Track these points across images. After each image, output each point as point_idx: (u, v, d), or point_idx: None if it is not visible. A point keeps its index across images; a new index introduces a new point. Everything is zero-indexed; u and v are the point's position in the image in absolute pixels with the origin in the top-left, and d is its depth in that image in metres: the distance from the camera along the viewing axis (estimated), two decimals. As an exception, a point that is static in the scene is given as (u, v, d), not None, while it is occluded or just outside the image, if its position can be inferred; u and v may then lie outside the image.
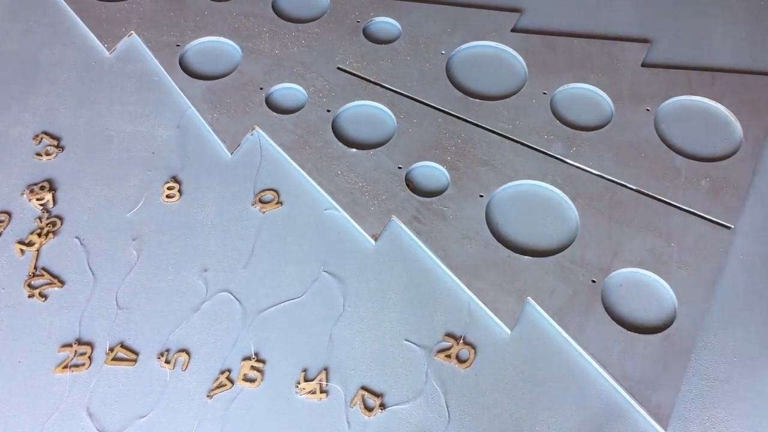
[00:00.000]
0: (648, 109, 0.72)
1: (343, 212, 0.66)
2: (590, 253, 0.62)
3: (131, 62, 0.79)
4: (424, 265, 0.64)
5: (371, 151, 0.70)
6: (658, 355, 0.56)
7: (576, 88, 0.75)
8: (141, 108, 0.75)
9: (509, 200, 0.67)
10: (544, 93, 0.74)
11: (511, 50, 0.78)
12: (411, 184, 0.68)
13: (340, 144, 0.70)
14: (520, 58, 0.77)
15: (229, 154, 0.70)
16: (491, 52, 0.79)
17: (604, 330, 0.57)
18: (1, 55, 0.79)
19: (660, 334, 0.57)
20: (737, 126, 0.72)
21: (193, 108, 0.73)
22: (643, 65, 0.77)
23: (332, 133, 0.71)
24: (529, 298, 0.60)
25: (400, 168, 0.68)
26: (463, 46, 0.79)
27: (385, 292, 0.62)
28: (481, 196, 0.66)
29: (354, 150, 0.69)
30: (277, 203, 0.68)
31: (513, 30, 0.80)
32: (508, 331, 0.59)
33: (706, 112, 0.74)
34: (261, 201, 0.68)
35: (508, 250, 0.63)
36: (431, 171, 0.69)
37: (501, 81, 0.77)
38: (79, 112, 0.74)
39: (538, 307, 0.60)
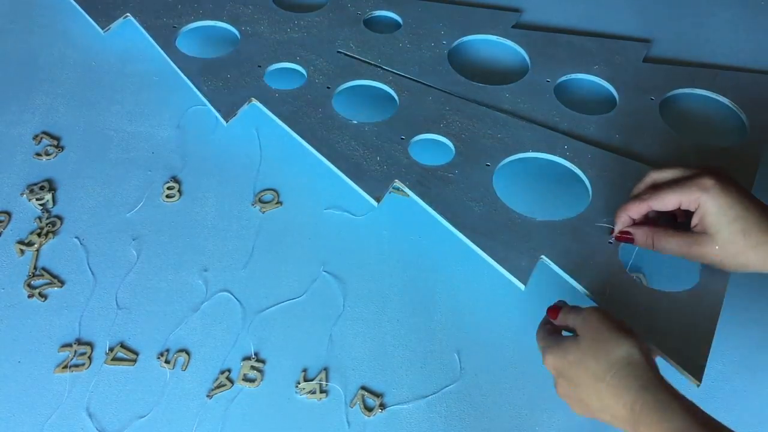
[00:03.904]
0: (652, 98, 0.72)
1: (343, 176, 0.64)
2: (604, 217, 0.61)
3: (131, 62, 0.79)
4: (425, 265, 0.64)
5: (374, 123, 0.69)
6: (685, 311, 0.54)
7: (579, 78, 0.75)
8: (141, 108, 0.75)
9: (517, 170, 0.67)
10: (548, 81, 0.74)
11: (511, 43, 0.78)
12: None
13: (341, 116, 0.69)
14: (522, 50, 0.78)
15: (225, 123, 0.69)
16: (492, 44, 0.79)
17: (625, 288, 0.56)
18: (1, 55, 0.79)
19: (685, 291, 0.55)
20: (741, 117, 0.72)
21: (191, 84, 0.72)
22: (644, 61, 0.77)
23: (333, 107, 0.70)
24: (543, 256, 0.58)
25: (402, 138, 0.67)
26: (465, 38, 0.79)
27: (385, 292, 0.62)
28: (488, 165, 0.65)
29: (356, 121, 0.68)
30: (277, 203, 0.68)
31: (513, 27, 0.81)
32: (522, 287, 0.57)
33: (709, 103, 0.74)
34: (261, 201, 0.68)
35: (519, 212, 0.61)
36: (435, 142, 0.68)
37: (503, 70, 0.77)
38: (79, 112, 0.74)
39: (553, 265, 0.58)
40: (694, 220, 0.52)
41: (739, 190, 0.51)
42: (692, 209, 0.52)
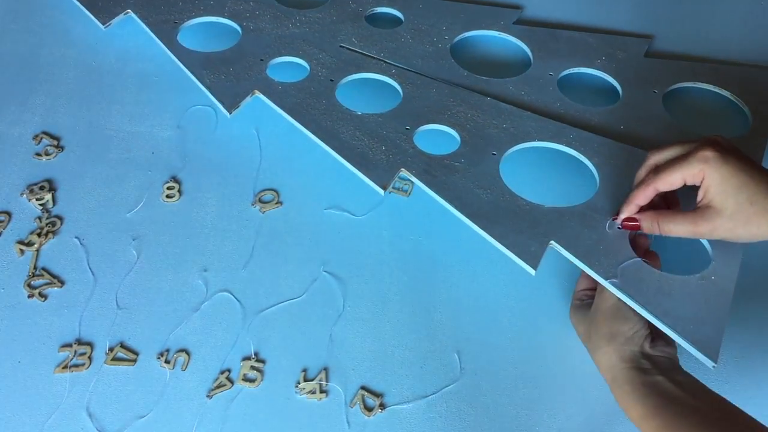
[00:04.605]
0: (656, 91, 0.72)
1: (349, 165, 0.63)
2: (613, 203, 0.60)
3: (131, 62, 0.79)
4: (425, 265, 0.64)
5: (378, 114, 0.68)
6: (696, 294, 0.54)
7: (582, 72, 0.75)
8: (141, 108, 0.75)
9: (523, 159, 0.66)
10: (551, 74, 0.74)
11: (513, 38, 0.78)
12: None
13: (345, 107, 0.69)
14: (524, 45, 0.78)
15: (228, 115, 0.68)
16: (494, 40, 0.80)
17: (636, 271, 0.55)
18: (1, 55, 0.79)
19: (697, 275, 0.55)
20: (744, 110, 0.72)
21: (193, 77, 0.71)
22: (646, 56, 0.77)
23: (336, 98, 0.70)
24: (552, 241, 0.58)
25: (407, 129, 0.67)
26: (467, 33, 0.79)
27: (385, 292, 0.62)
28: (494, 153, 0.65)
29: (360, 112, 0.68)
30: (277, 203, 0.68)
31: (515, 23, 0.81)
32: (533, 272, 0.56)
33: (712, 96, 0.74)
34: (261, 201, 0.68)
35: (527, 200, 0.61)
36: (440, 132, 0.68)
37: (505, 65, 0.77)
38: (79, 112, 0.74)
39: (563, 250, 0.57)
40: (699, 195, 0.52)
41: (740, 158, 0.50)
42: (697, 183, 0.52)
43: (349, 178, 0.63)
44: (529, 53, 0.77)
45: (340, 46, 0.76)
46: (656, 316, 0.52)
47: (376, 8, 0.81)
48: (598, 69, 0.74)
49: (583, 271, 0.57)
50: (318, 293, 0.62)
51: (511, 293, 0.62)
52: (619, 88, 0.73)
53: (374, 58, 0.75)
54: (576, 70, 0.75)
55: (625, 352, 0.50)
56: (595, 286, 0.58)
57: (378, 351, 0.59)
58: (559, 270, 0.63)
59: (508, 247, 0.57)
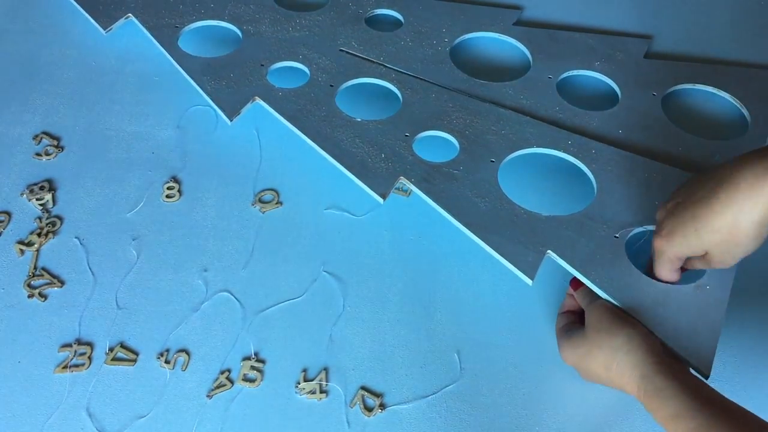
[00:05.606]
0: (654, 94, 0.72)
1: (348, 173, 0.64)
2: (610, 211, 0.61)
3: (131, 62, 0.79)
4: (425, 265, 0.64)
5: (378, 121, 0.69)
6: (691, 305, 0.54)
7: (581, 74, 0.75)
8: (141, 108, 0.75)
9: (521, 166, 0.67)
10: (549, 77, 0.74)
11: (513, 40, 0.78)
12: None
13: (345, 114, 0.69)
14: (523, 47, 0.78)
15: (229, 122, 0.69)
16: (494, 41, 0.80)
17: (632, 281, 0.56)
18: (1, 55, 0.79)
19: (692, 285, 0.55)
20: (743, 111, 0.72)
21: (194, 83, 0.72)
22: (645, 57, 0.77)
23: (336, 105, 0.70)
24: (549, 251, 0.58)
25: (407, 135, 0.67)
26: (467, 35, 0.79)
27: (385, 292, 0.62)
28: (492, 161, 0.65)
29: (359, 119, 0.68)
30: (277, 203, 0.68)
31: (514, 24, 0.81)
32: (530, 282, 0.57)
33: (711, 98, 0.74)
34: (261, 201, 0.68)
35: (524, 208, 0.61)
36: (439, 139, 0.68)
37: (504, 67, 0.78)
38: (79, 112, 0.74)
39: (560, 260, 0.57)
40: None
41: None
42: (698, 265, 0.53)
43: (349, 178, 0.64)
44: (529, 55, 0.77)
45: (340, 50, 0.76)
46: (650, 327, 0.52)
47: (375, 10, 0.81)
48: (597, 71, 0.75)
49: (560, 312, 0.58)
50: (318, 293, 0.62)
51: (511, 293, 0.62)
52: (618, 90, 0.73)
53: (374, 62, 0.75)
54: (575, 72, 0.75)
55: (648, 344, 0.49)
56: (576, 311, 0.57)
57: (378, 351, 0.59)
58: (560, 270, 0.63)
59: (505, 257, 0.58)
